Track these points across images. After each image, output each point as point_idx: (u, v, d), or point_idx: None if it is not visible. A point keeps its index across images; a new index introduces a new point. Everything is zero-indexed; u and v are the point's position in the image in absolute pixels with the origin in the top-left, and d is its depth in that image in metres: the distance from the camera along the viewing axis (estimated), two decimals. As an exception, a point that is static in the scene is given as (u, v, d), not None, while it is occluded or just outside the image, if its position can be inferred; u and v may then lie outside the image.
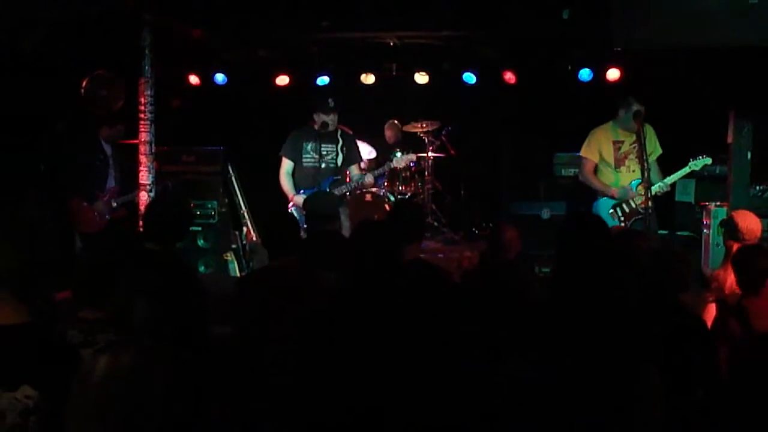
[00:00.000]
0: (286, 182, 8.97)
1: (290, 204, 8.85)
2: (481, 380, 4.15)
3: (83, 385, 2.44)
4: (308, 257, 5.66)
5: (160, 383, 2.41)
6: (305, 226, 8.33)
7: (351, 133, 9.42)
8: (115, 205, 9.15)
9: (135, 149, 9.07)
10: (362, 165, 9.57)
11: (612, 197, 8.53)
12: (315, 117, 8.87)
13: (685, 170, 8.54)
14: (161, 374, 2.42)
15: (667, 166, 8.68)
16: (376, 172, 9.72)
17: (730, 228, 6.57)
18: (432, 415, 4.11)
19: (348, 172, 9.23)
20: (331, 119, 8.81)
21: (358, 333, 4.35)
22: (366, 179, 9.15)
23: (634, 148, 8.39)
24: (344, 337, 4.32)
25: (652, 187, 8.34)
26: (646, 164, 8.15)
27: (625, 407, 3.89)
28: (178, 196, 9.57)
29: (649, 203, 8.13)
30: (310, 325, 4.49)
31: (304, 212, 8.55)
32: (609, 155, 8.57)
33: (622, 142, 8.55)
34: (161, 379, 2.41)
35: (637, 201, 8.38)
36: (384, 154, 12.08)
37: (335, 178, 8.94)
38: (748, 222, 6.50)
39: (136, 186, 9.05)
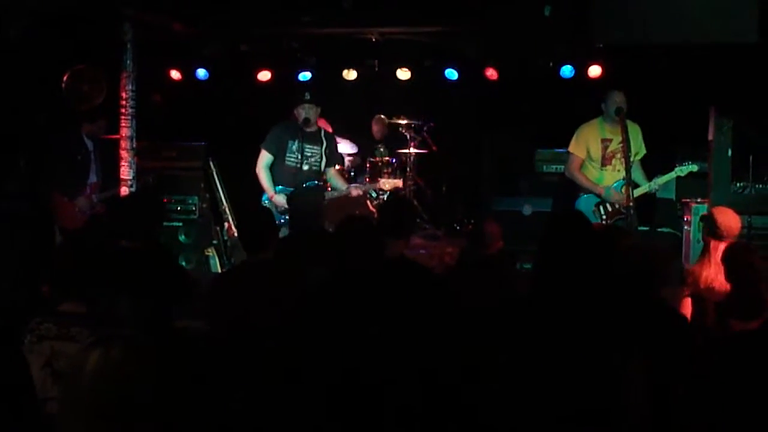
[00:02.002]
0: (264, 176, 8.86)
1: (267, 198, 8.78)
2: (464, 376, 4.15)
3: (74, 379, 2.44)
4: (293, 253, 5.65)
5: (149, 377, 2.41)
6: (281, 221, 8.37)
7: (331, 131, 9.41)
8: (96, 200, 9.11)
9: (116, 144, 9.04)
10: (337, 167, 9.53)
11: (598, 195, 8.53)
12: (296, 113, 8.84)
13: (671, 175, 8.57)
14: (151, 368, 2.42)
15: (648, 162, 8.71)
16: (360, 186, 9.73)
17: (709, 224, 6.59)
18: (414, 410, 4.11)
19: (324, 175, 9.17)
20: (309, 113, 8.74)
21: (339, 328, 4.35)
22: (353, 191, 9.19)
23: (622, 147, 8.39)
24: (324, 333, 4.32)
25: (643, 187, 8.38)
26: (630, 163, 8.18)
27: (608, 402, 3.90)
28: (159, 192, 9.56)
29: (631, 203, 8.16)
30: (287, 320, 4.49)
31: (280, 210, 8.59)
32: (596, 152, 8.58)
33: (610, 140, 8.55)
34: (151, 373, 2.41)
35: (620, 202, 8.40)
36: (368, 148, 12.08)
37: (317, 183, 8.90)
38: (727, 218, 6.52)
39: (117, 182, 9.01)
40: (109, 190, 9.10)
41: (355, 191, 9.27)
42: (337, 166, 9.44)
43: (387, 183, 9.80)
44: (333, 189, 9.14)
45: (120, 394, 2.39)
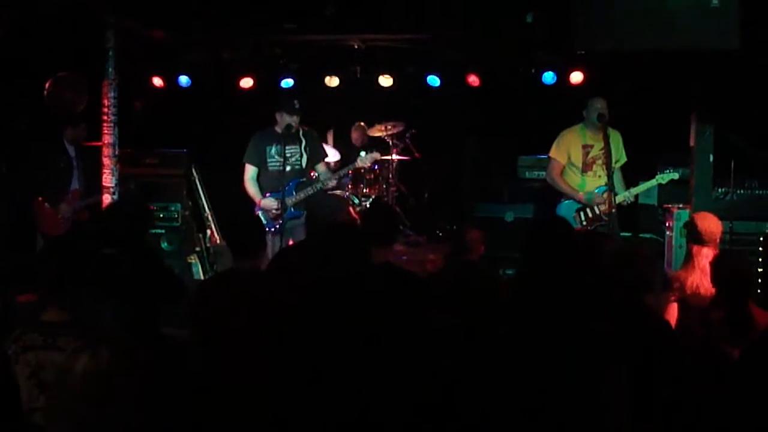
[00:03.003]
0: (251, 187, 8.95)
1: (257, 208, 8.84)
2: (451, 382, 4.15)
3: (62, 384, 2.43)
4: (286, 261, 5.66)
5: (137, 382, 2.40)
6: (272, 229, 8.43)
7: (313, 130, 9.42)
8: (79, 207, 9.08)
9: (98, 151, 9.01)
10: (327, 161, 9.58)
11: (579, 201, 8.55)
12: (278, 117, 8.87)
13: (652, 183, 8.62)
14: (139, 373, 2.42)
15: (630, 168, 8.74)
16: (340, 172, 9.75)
17: (690, 230, 6.62)
18: (399, 415, 4.11)
19: (314, 172, 9.25)
20: (294, 120, 8.80)
21: (323, 335, 4.34)
22: (330, 182, 9.21)
23: (603, 153, 8.42)
24: (309, 340, 4.32)
25: (621, 195, 8.41)
26: (611, 169, 8.22)
27: (593, 408, 3.91)
28: (141, 198, 9.53)
29: (613, 210, 8.20)
30: (273, 327, 4.48)
31: (272, 215, 8.64)
32: (577, 158, 8.61)
33: (591, 146, 8.59)
34: (139, 378, 2.41)
35: (602, 207, 8.43)
36: (350, 156, 12.08)
37: (300, 180, 8.95)
38: (708, 223, 6.56)
39: (100, 188, 8.98)
40: (92, 196, 9.07)
41: (332, 182, 9.36)
42: (325, 161, 9.48)
43: (367, 159, 9.77)
44: (318, 180, 9.17)
45: (108, 398, 2.39)
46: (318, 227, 7.90)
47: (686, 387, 4.65)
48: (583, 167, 8.61)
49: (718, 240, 6.59)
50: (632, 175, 8.71)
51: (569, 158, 8.64)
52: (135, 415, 2.39)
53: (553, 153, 8.76)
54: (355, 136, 12.79)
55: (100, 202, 8.90)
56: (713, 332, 5.56)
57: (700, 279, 6.20)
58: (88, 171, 9.23)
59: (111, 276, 4.84)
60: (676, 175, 8.58)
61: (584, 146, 8.62)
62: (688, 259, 6.58)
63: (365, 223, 5.86)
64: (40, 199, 8.94)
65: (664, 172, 8.57)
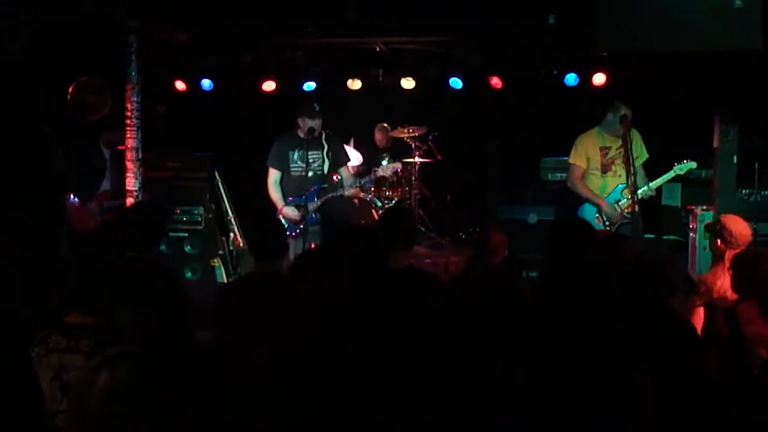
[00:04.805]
0: (274, 192, 8.98)
1: (279, 214, 8.85)
2: (472, 384, 4.15)
3: (83, 401, 2.44)
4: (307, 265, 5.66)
5: (156, 397, 2.41)
6: (293, 234, 8.44)
7: (336, 135, 9.42)
8: (106, 207, 9.12)
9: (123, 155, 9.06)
10: (348, 166, 9.57)
11: (599, 207, 8.50)
12: (300, 122, 8.87)
13: (670, 174, 8.53)
14: (157, 387, 2.43)
15: (653, 170, 8.69)
16: (362, 180, 9.74)
17: (721, 233, 6.54)
18: (420, 418, 4.10)
19: (337, 175, 9.24)
20: (316, 123, 8.81)
21: (343, 337, 4.35)
22: (349, 190, 9.21)
23: (620, 153, 8.40)
24: (329, 342, 4.32)
25: (643, 189, 8.36)
26: (632, 168, 8.17)
27: (616, 410, 3.90)
28: (164, 204, 9.58)
29: (636, 207, 8.15)
30: (296, 330, 4.49)
31: (293, 221, 8.65)
32: (596, 161, 8.57)
33: (609, 147, 8.55)
34: (157, 392, 2.42)
35: (623, 206, 8.38)
36: (373, 158, 12.08)
37: (322, 186, 8.93)
38: (740, 227, 6.50)
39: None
40: (120, 199, 9.11)
41: (351, 191, 9.35)
42: (348, 166, 9.47)
43: (388, 169, 9.79)
44: (343, 186, 9.17)
45: (128, 414, 2.40)
46: (333, 230, 7.88)
47: (713, 388, 4.64)
48: (602, 168, 8.57)
49: (749, 243, 6.52)
50: (654, 176, 8.65)
51: (588, 162, 8.60)
52: (154, 428, 2.40)
53: (572, 158, 8.72)
54: (379, 137, 12.77)
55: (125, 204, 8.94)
56: (740, 336, 5.51)
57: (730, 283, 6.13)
58: (121, 174, 9.27)
59: (133, 281, 4.85)
60: (693, 165, 8.48)
61: (602, 148, 8.58)
62: (718, 262, 6.51)
63: (383, 227, 5.84)
64: (71, 195, 8.98)
65: (681, 163, 8.47)
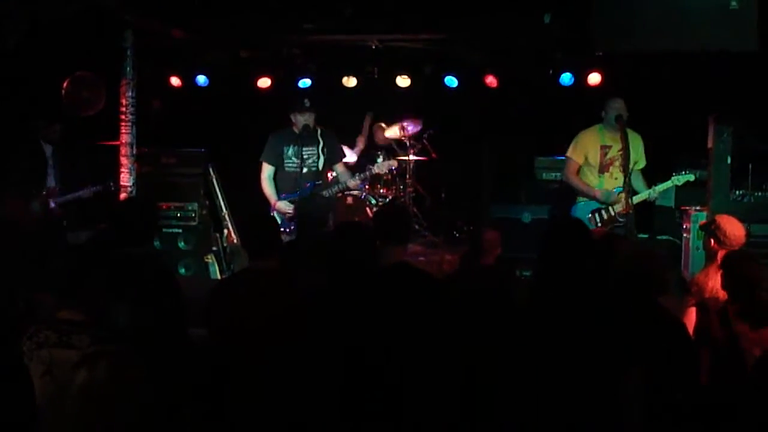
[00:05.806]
0: (268, 187, 8.94)
1: (272, 210, 8.84)
2: (467, 382, 4.15)
3: (60, 399, 2.44)
4: (295, 259, 5.65)
5: (134, 396, 2.40)
6: (287, 230, 8.41)
7: (331, 131, 9.40)
8: (53, 205, 9.08)
9: (78, 149, 9.02)
10: (343, 162, 9.55)
11: (594, 198, 8.49)
12: (293, 118, 8.84)
13: (668, 184, 8.51)
14: (136, 387, 2.42)
15: (648, 169, 8.69)
16: (358, 176, 9.71)
17: (715, 232, 6.55)
18: (416, 412, 4.11)
19: (331, 172, 9.24)
20: (307, 119, 8.76)
21: (334, 334, 4.35)
22: (351, 182, 9.17)
23: (621, 155, 8.37)
24: (320, 339, 4.32)
25: (643, 194, 8.36)
26: (628, 170, 8.17)
27: (608, 409, 3.90)
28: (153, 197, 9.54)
29: (630, 211, 8.15)
30: (286, 326, 4.48)
31: (287, 217, 8.63)
32: (595, 159, 8.56)
33: (610, 147, 8.53)
34: (136, 392, 2.41)
35: (617, 208, 8.37)
36: (370, 154, 12.07)
37: (317, 182, 8.91)
38: (735, 227, 6.51)
39: (77, 186, 9.02)
40: (69, 194, 9.08)
41: (353, 182, 9.30)
42: (343, 162, 9.45)
43: (383, 166, 9.79)
44: (338, 181, 9.17)
45: (105, 413, 2.39)
46: (307, 227, 7.84)
47: (704, 388, 4.64)
48: (600, 168, 8.56)
49: (742, 244, 6.53)
50: (650, 176, 8.65)
51: (586, 159, 8.59)
52: (131, 429, 2.39)
53: (569, 153, 8.71)
54: (379, 136, 12.75)
55: (77, 199, 8.93)
56: (733, 335, 5.51)
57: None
58: (65, 170, 9.21)
59: (126, 277, 4.84)
60: (691, 177, 8.51)
61: (602, 147, 8.56)
62: (710, 262, 6.52)
63: (377, 222, 5.83)
64: (13, 195, 8.89)
65: (680, 174, 8.49)
